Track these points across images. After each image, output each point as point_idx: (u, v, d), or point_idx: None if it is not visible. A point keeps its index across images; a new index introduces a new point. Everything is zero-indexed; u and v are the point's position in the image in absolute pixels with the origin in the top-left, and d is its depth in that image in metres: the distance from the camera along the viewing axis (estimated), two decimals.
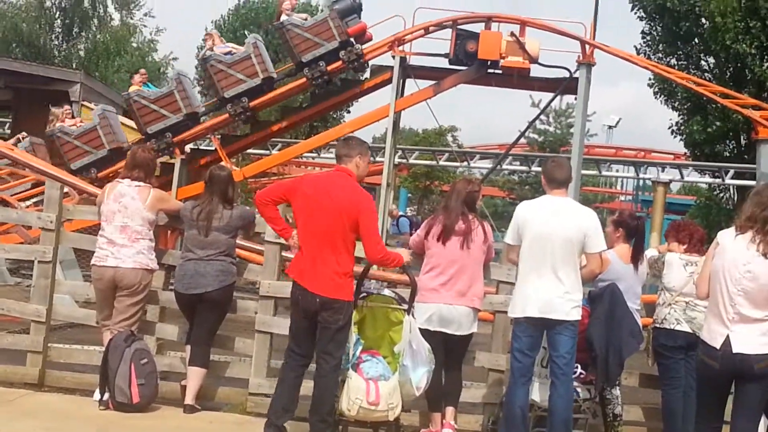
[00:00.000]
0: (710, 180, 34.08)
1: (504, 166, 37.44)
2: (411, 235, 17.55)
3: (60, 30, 51.46)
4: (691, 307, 8.11)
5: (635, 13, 33.80)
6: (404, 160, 36.42)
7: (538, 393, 7.62)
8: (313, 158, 36.96)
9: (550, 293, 7.21)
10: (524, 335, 7.36)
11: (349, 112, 46.99)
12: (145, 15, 54.22)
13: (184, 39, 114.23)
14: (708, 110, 31.02)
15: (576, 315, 7.27)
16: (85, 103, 24.90)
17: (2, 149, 16.35)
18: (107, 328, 8.35)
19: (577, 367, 7.56)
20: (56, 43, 51.61)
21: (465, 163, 36.55)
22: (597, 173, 37.89)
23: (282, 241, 7.97)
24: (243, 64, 20.56)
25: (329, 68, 20.49)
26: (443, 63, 21.30)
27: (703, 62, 33.40)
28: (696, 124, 31.51)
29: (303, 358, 7.28)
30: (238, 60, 20.59)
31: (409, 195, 49.37)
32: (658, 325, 8.34)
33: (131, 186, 8.39)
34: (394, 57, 20.87)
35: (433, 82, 21.42)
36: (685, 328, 8.13)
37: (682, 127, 33.27)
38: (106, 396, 8.02)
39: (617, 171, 42.96)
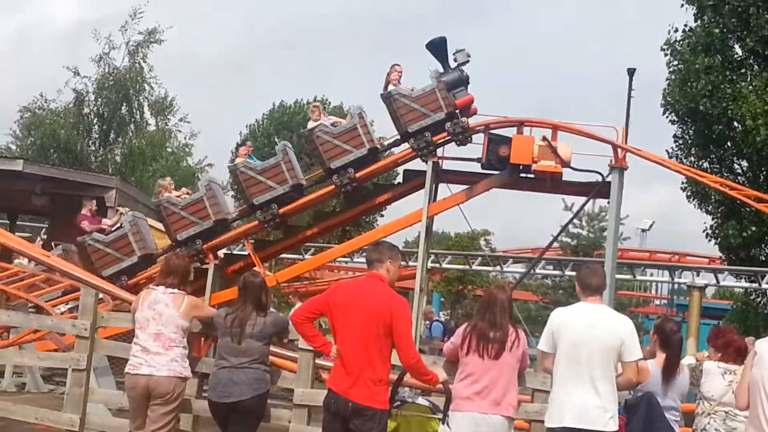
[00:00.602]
0: (746, 284, 33.77)
1: (537, 270, 37.26)
2: (444, 341, 17.43)
3: (97, 136, 52.25)
4: (731, 417, 7.96)
5: (667, 116, 33.99)
6: (437, 265, 36.34)
7: None
8: (346, 262, 36.95)
9: (587, 403, 7.11)
10: None
11: (382, 215, 47.14)
12: (181, 120, 54.99)
13: (220, 143, 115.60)
14: (743, 214, 30.91)
15: (613, 426, 7.14)
16: (120, 208, 25.13)
17: (39, 256, 16.50)
18: None
19: None
20: (93, 148, 52.36)
21: (498, 268, 36.42)
22: (631, 277, 37.59)
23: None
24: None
25: (435, 138, 20.44)
26: (476, 167, 21.37)
27: (736, 165, 33.44)
28: (731, 228, 31.36)
29: None
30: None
31: (442, 299, 49.15)
32: None
33: (165, 293, 8.42)
34: (427, 162, 20.91)
35: (465, 186, 21.43)
36: None
37: (717, 231, 33.15)
38: None
39: (651, 275, 42.59)
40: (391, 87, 20.57)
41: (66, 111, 50.91)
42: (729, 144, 32.64)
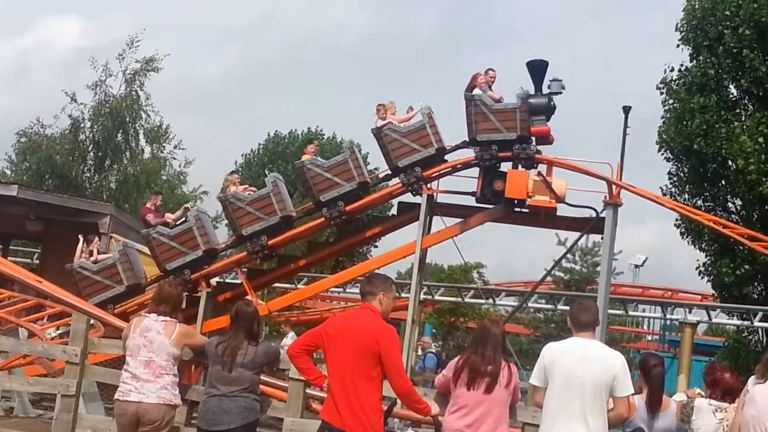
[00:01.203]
0: (738, 322, 33.76)
1: (530, 304, 37.25)
2: (437, 373, 17.36)
3: (92, 162, 52.09)
4: None
5: (662, 154, 34.06)
6: (429, 296, 36.33)
7: None
8: (339, 293, 36.92)
9: None
10: None
11: (376, 246, 47.10)
12: (175, 147, 54.93)
13: (214, 171, 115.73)
14: (736, 252, 30.91)
15: None
16: (114, 235, 25.10)
17: (31, 281, 16.42)
18: None
19: None
20: (88, 175, 52.20)
21: (490, 300, 36.42)
22: (623, 313, 37.62)
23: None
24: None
25: (500, 155, 20.56)
26: (470, 201, 21.40)
27: (730, 204, 33.47)
28: (725, 266, 31.36)
29: None
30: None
31: (434, 331, 49.08)
32: None
33: (157, 321, 8.41)
34: (421, 195, 20.95)
35: (459, 219, 21.47)
36: None
37: (710, 268, 33.14)
38: None
39: (644, 310, 42.62)
40: (476, 91, 20.58)
41: (62, 137, 50.83)
42: (723, 182, 32.71)
